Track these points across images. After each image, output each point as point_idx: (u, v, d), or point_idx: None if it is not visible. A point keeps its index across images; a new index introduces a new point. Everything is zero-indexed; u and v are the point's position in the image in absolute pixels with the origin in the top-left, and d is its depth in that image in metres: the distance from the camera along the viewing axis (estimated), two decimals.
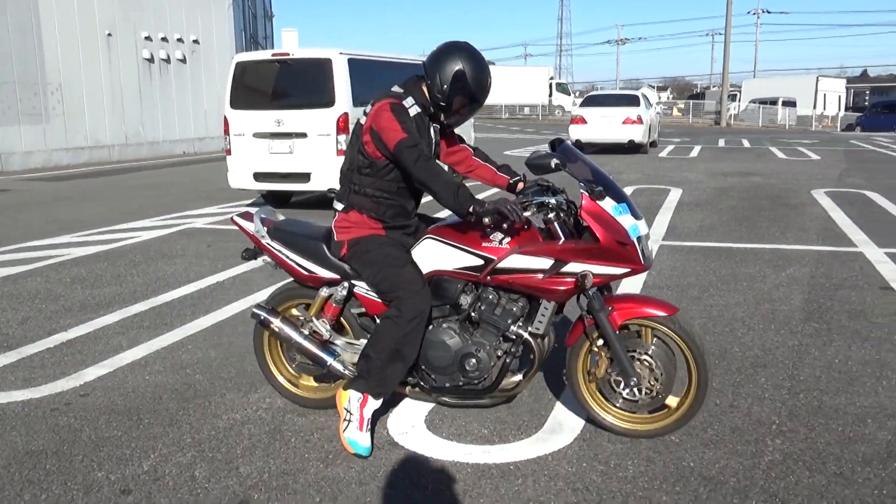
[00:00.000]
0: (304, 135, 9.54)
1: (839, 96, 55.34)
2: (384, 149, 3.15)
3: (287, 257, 3.48)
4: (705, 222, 8.93)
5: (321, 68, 9.46)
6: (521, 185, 3.48)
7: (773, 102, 45.63)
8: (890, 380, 3.95)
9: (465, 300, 3.29)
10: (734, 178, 13.74)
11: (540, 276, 3.11)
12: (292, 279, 3.58)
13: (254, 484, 2.98)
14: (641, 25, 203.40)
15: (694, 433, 3.36)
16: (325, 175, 9.48)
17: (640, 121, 19.21)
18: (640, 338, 3.25)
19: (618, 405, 3.31)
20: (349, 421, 3.24)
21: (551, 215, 3.12)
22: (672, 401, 3.27)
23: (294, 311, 3.60)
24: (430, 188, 3.07)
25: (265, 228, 3.53)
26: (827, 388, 3.86)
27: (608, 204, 3.05)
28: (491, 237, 3.16)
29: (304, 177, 9.64)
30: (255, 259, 3.64)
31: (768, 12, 66.74)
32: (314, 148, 9.53)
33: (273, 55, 10.02)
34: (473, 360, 3.26)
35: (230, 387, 3.99)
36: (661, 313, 3.15)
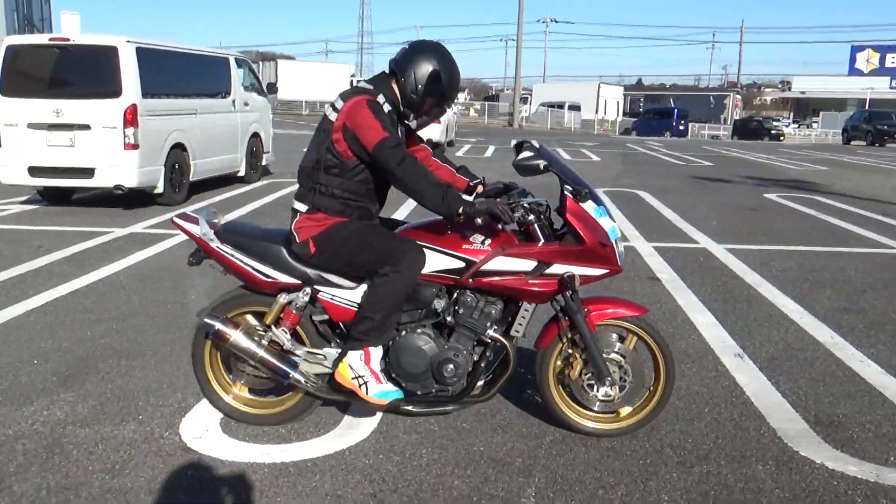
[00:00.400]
0: (87, 127, 8.90)
1: (618, 102, 60.06)
2: (359, 148, 3.01)
3: (241, 261, 3.23)
4: None
5: (106, 56, 8.87)
6: (480, 188, 3.40)
7: (561, 106, 48.64)
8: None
9: (440, 304, 3.20)
10: (523, 178, 14.49)
11: (525, 277, 3.08)
12: (241, 285, 3.33)
13: (30, 502, 2.78)
14: (440, 28, 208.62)
15: (484, 419, 3.55)
16: (112, 170, 8.92)
17: (438, 121, 19.61)
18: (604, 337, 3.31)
19: (595, 409, 3.35)
20: (365, 383, 3.14)
21: (531, 217, 3.08)
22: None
23: (249, 320, 3.34)
24: (416, 190, 2.93)
25: (212, 231, 3.27)
26: None
27: (590, 206, 3.08)
28: (471, 239, 3.09)
29: (87, 172, 8.99)
30: (199, 264, 3.35)
31: (556, 21, 71.02)
32: (99, 141, 8.92)
33: (51, 39, 9.26)
34: (451, 366, 3.16)
35: (1, 400, 3.68)
36: (633, 314, 3.24)
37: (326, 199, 3.13)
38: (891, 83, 72.86)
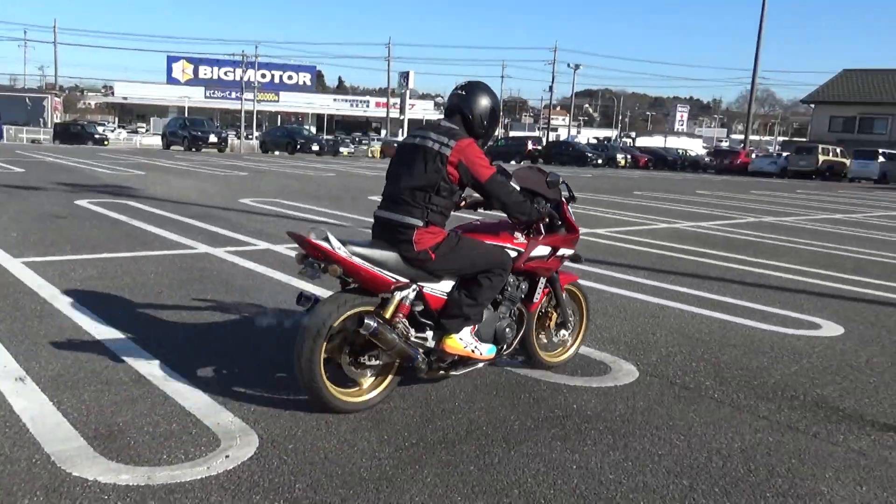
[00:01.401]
0: None
1: None
2: (471, 179, 3.94)
3: (367, 267, 3.79)
4: None
5: None
6: (463, 203, 4.50)
7: None
8: None
9: None
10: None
11: (545, 259, 4.39)
12: (340, 290, 3.94)
13: None
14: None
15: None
16: None
17: None
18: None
19: (552, 350, 4.79)
20: (476, 348, 4.12)
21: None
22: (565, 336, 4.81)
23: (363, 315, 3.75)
24: (512, 206, 4.06)
25: (339, 243, 3.76)
26: None
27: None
28: (515, 235, 4.27)
29: None
30: (319, 275, 3.81)
31: None
32: None
33: None
34: (508, 329, 4.28)
35: None
36: (574, 279, 4.86)
37: (437, 215, 3.96)
38: (205, 93, 79.05)
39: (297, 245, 3.85)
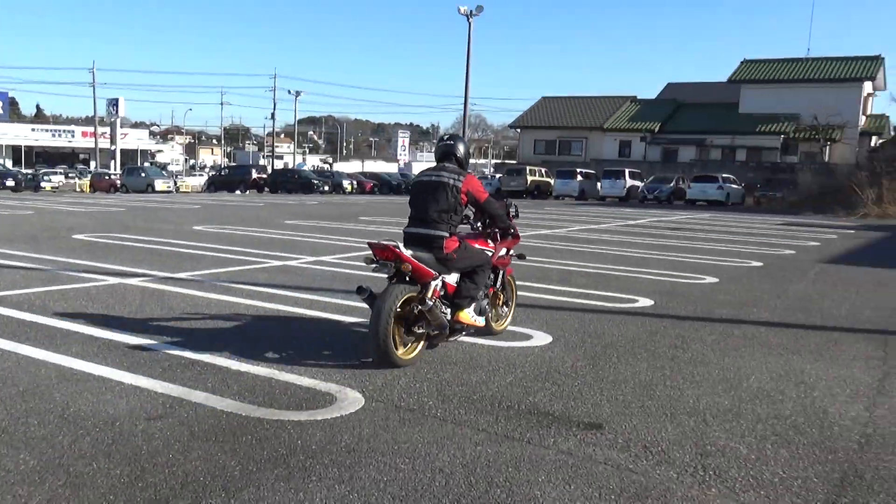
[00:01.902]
0: None
1: None
2: (475, 201, 6.01)
3: (421, 265, 5.58)
4: None
5: None
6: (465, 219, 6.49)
7: None
8: None
9: None
10: None
11: (503, 257, 6.60)
12: (394, 281, 5.60)
13: None
14: None
15: None
16: None
17: None
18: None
19: (497, 320, 6.72)
20: (476, 319, 6.10)
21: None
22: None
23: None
24: (500, 220, 6.35)
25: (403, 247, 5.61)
26: None
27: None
28: (489, 241, 6.42)
29: None
30: (392, 271, 5.57)
31: None
32: None
33: None
34: (486, 306, 6.35)
35: None
36: (512, 272, 6.98)
37: (454, 227, 5.89)
38: None
39: (370, 250, 5.64)
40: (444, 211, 5.82)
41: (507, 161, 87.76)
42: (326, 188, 47.71)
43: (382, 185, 53.43)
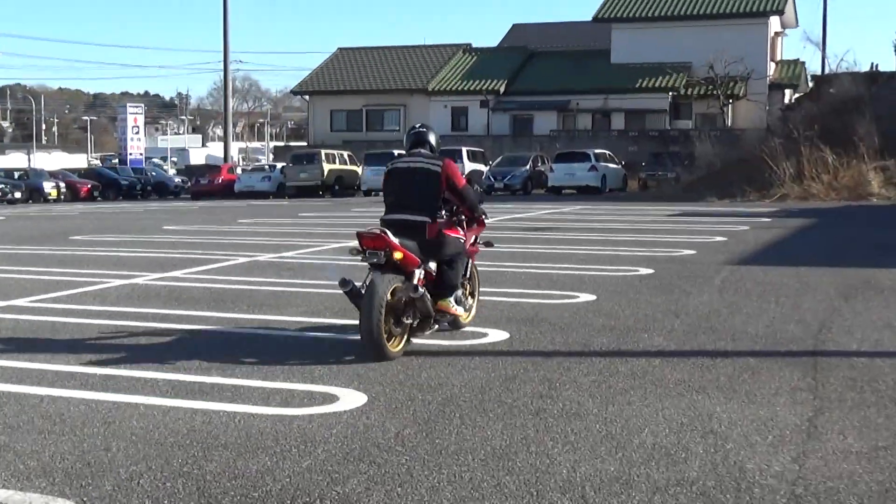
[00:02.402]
0: None
1: None
2: (453, 186, 8.40)
3: (410, 253, 7.87)
4: None
5: None
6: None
7: None
8: None
9: None
10: None
11: (473, 244, 9.27)
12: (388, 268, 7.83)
13: None
14: None
15: None
16: None
17: None
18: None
19: (465, 309, 8.94)
20: (456, 308, 8.55)
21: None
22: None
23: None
24: (472, 202, 8.64)
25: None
26: None
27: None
28: (458, 228, 8.70)
29: None
30: (383, 260, 7.75)
31: None
32: None
33: None
34: (462, 295, 8.76)
35: None
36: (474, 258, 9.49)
37: (436, 213, 8.29)
38: None
39: (358, 240, 7.90)
40: (426, 197, 8.30)
41: (292, 144, 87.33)
42: (18, 195, 45.68)
43: (107, 185, 51.78)
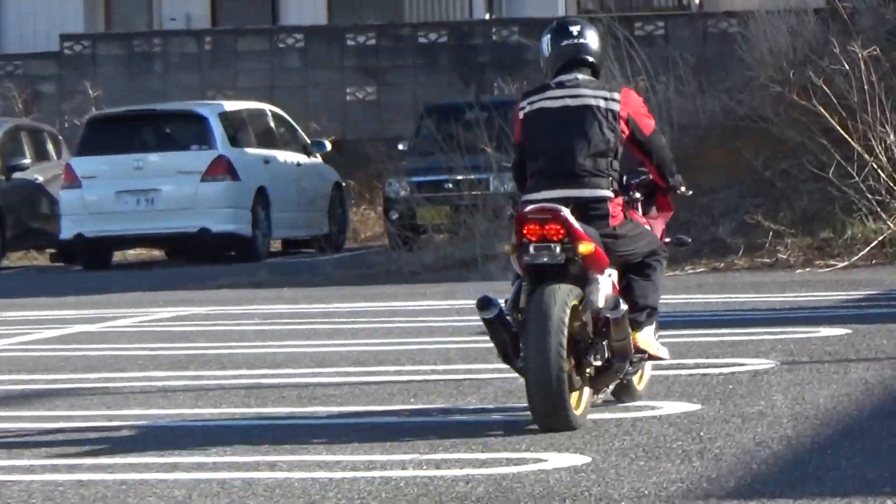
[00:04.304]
0: None
1: None
2: (640, 135, 4.99)
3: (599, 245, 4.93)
4: None
5: None
6: None
7: None
8: None
9: None
10: None
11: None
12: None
13: None
14: None
15: None
16: None
17: None
18: None
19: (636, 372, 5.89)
20: (658, 347, 5.13)
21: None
22: None
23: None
24: (669, 169, 5.20)
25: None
26: None
27: None
28: (636, 211, 5.30)
29: None
30: (562, 258, 4.54)
31: None
32: None
33: None
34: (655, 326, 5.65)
35: None
36: None
37: (616, 183, 4.93)
38: None
39: (517, 225, 4.59)
40: (601, 154, 4.90)
41: None
42: None
43: None
